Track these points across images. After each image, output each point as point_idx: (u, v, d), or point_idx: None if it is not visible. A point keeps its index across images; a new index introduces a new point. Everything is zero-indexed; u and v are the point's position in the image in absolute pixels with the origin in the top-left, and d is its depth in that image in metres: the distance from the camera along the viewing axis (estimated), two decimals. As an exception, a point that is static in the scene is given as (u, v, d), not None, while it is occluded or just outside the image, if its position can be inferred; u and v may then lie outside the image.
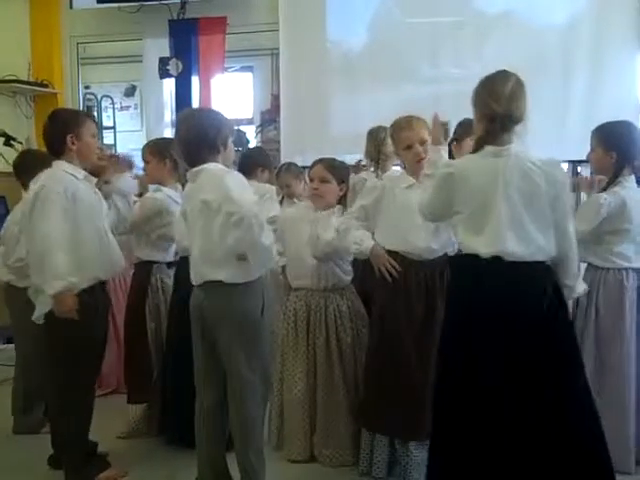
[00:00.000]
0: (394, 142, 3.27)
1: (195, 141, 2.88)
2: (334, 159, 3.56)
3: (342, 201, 3.52)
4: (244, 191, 2.80)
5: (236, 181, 2.83)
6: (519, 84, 2.59)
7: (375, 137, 4.06)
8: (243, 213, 2.69)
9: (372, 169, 4.27)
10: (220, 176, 2.82)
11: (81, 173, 3.20)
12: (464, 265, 2.69)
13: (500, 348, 2.50)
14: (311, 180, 3.54)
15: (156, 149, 3.78)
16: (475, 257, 2.59)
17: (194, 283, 2.94)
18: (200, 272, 2.88)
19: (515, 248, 2.52)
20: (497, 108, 2.53)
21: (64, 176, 3.14)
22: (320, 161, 3.54)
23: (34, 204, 3.06)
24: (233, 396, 2.90)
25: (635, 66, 5.16)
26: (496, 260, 2.54)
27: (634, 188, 3.32)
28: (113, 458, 3.41)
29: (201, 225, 2.85)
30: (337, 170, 3.48)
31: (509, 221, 2.53)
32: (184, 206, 3.03)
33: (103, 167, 3.56)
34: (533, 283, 2.55)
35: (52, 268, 3.02)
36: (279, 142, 5.85)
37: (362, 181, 4.03)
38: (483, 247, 2.56)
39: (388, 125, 3.37)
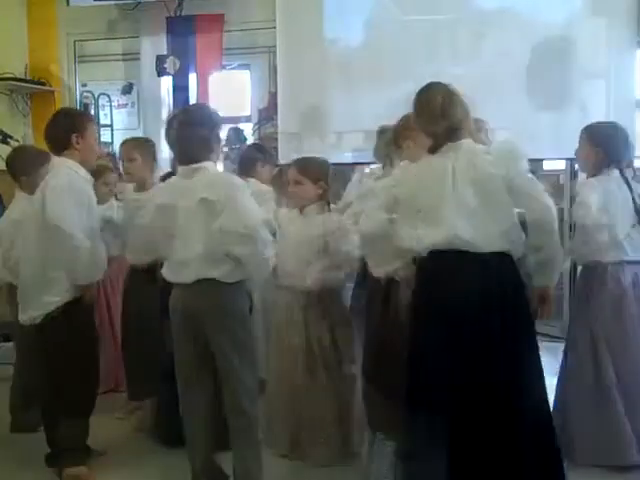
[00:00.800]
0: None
1: (191, 138, 2.88)
2: (307, 159, 3.60)
3: (324, 196, 3.52)
4: (252, 204, 2.84)
5: (244, 192, 2.85)
6: (448, 95, 2.65)
7: (386, 135, 4.05)
8: (255, 236, 2.76)
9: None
10: (225, 182, 2.85)
11: (86, 173, 3.21)
12: (425, 261, 2.73)
13: (460, 342, 2.54)
14: (288, 183, 3.59)
15: (145, 148, 3.72)
16: (432, 252, 2.65)
17: (180, 281, 2.89)
18: (194, 270, 2.85)
19: (467, 236, 2.56)
20: (435, 128, 2.65)
21: (77, 175, 3.15)
22: (294, 163, 3.59)
23: (61, 194, 3.06)
24: (230, 395, 2.90)
25: (633, 64, 5.15)
26: (453, 253, 2.58)
27: (613, 181, 3.31)
28: (110, 457, 3.42)
29: (199, 223, 2.83)
30: (309, 170, 3.50)
31: (461, 211, 2.58)
32: (171, 201, 2.91)
33: (105, 167, 3.56)
34: (492, 275, 2.58)
35: (99, 258, 3.18)
36: (277, 139, 5.85)
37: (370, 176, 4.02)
38: (438, 239, 2.61)
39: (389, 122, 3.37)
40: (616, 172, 3.33)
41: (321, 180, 3.51)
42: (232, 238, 2.76)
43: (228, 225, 2.76)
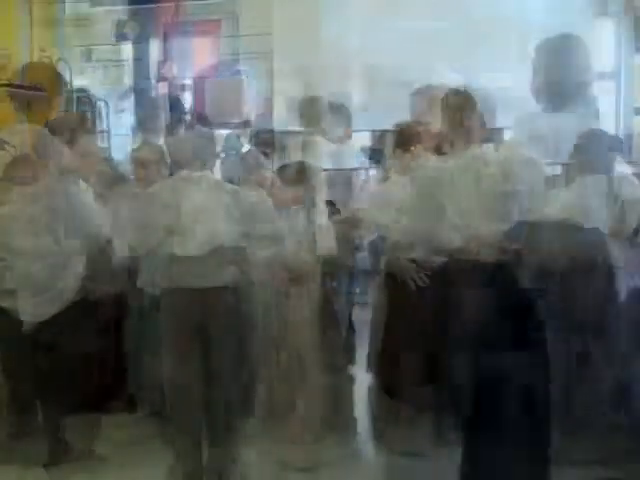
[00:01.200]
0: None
1: (194, 146, 2.92)
2: (286, 164, 3.73)
3: (298, 199, 3.53)
4: (272, 209, 2.95)
5: (255, 198, 2.96)
6: (461, 99, 2.75)
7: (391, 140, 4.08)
8: (281, 238, 2.91)
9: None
10: (238, 188, 2.96)
11: (83, 183, 3.22)
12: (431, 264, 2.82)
13: (465, 346, 2.64)
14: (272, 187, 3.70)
15: (161, 154, 3.72)
16: (438, 255, 2.75)
17: (190, 285, 2.92)
18: (205, 275, 2.89)
19: (469, 239, 2.62)
20: (446, 131, 2.77)
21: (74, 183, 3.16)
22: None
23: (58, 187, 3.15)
24: (228, 394, 3.02)
25: (630, 71, 5.19)
26: (455, 256, 2.65)
27: (583, 187, 3.34)
28: (115, 458, 3.46)
29: (213, 226, 2.89)
30: (282, 174, 3.60)
31: (462, 214, 2.65)
32: (175, 203, 2.95)
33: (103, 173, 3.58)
34: (496, 279, 2.63)
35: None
36: (273, 145, 5.86)
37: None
38: (442, 242, 2.70)
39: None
40: (589, 179, 3.35)
41: (297, 184, 3.53)
42: (259, 241, 2.84)
43: (258, 229, 2.85)
